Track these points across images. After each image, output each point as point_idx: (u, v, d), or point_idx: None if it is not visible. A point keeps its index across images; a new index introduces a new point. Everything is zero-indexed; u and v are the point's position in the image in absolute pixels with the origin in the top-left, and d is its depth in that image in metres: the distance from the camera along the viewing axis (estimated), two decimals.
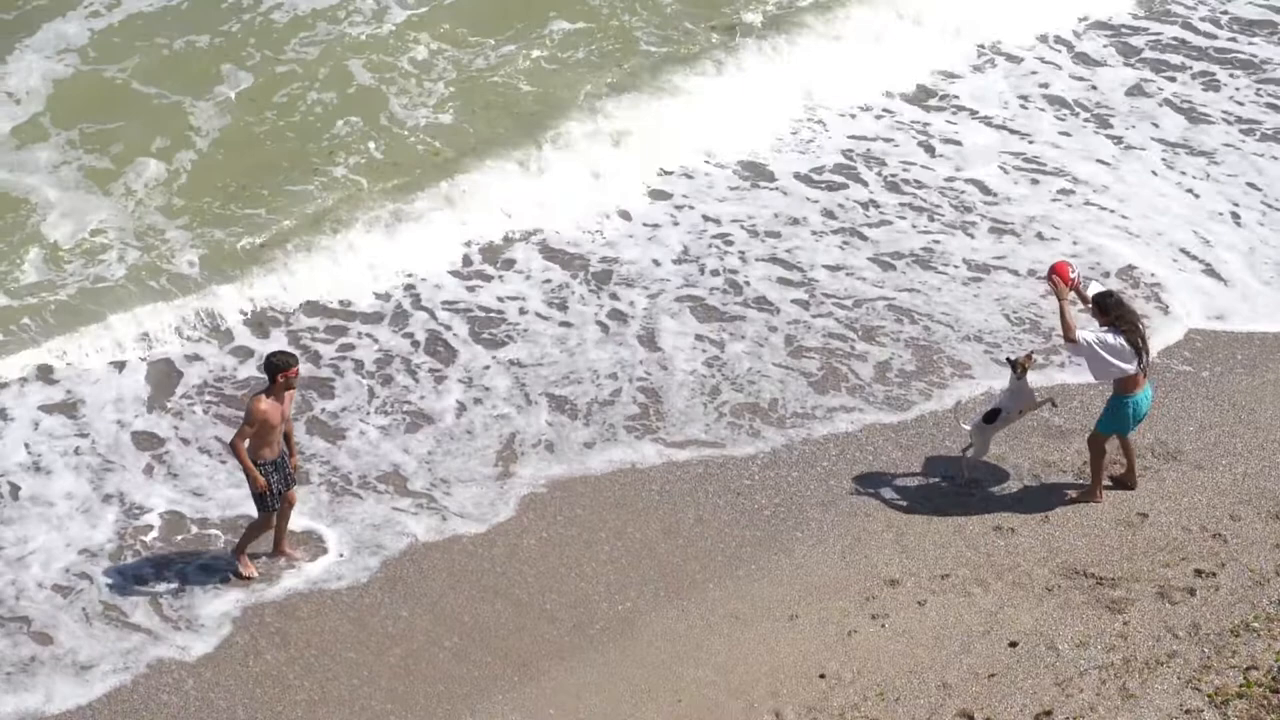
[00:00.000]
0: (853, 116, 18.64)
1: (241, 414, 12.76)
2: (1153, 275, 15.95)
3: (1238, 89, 19.08)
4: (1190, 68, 19.47)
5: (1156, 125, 18.44)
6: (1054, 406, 13.74)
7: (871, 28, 19.98)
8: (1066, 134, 18.34)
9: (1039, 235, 16.68)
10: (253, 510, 12.62)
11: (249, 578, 12.50)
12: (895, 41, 19.85)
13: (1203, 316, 15.33)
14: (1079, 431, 13.69)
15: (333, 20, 19.31)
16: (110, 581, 12.61)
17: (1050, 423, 13.91)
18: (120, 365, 14.79)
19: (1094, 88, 19.13)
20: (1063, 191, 17.36)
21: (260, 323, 15.40)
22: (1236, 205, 17.03)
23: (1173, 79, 19.24)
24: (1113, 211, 17.03)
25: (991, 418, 13.16)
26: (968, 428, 13.42)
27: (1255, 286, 15.75)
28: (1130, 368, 12.56)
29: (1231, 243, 16.46)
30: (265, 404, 11.92)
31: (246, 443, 12.07)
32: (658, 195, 17.33)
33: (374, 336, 15.27)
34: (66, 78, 18.25)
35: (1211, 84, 19.13)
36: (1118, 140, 18.22)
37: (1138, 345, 12.54)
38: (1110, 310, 12.64)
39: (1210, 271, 16.05)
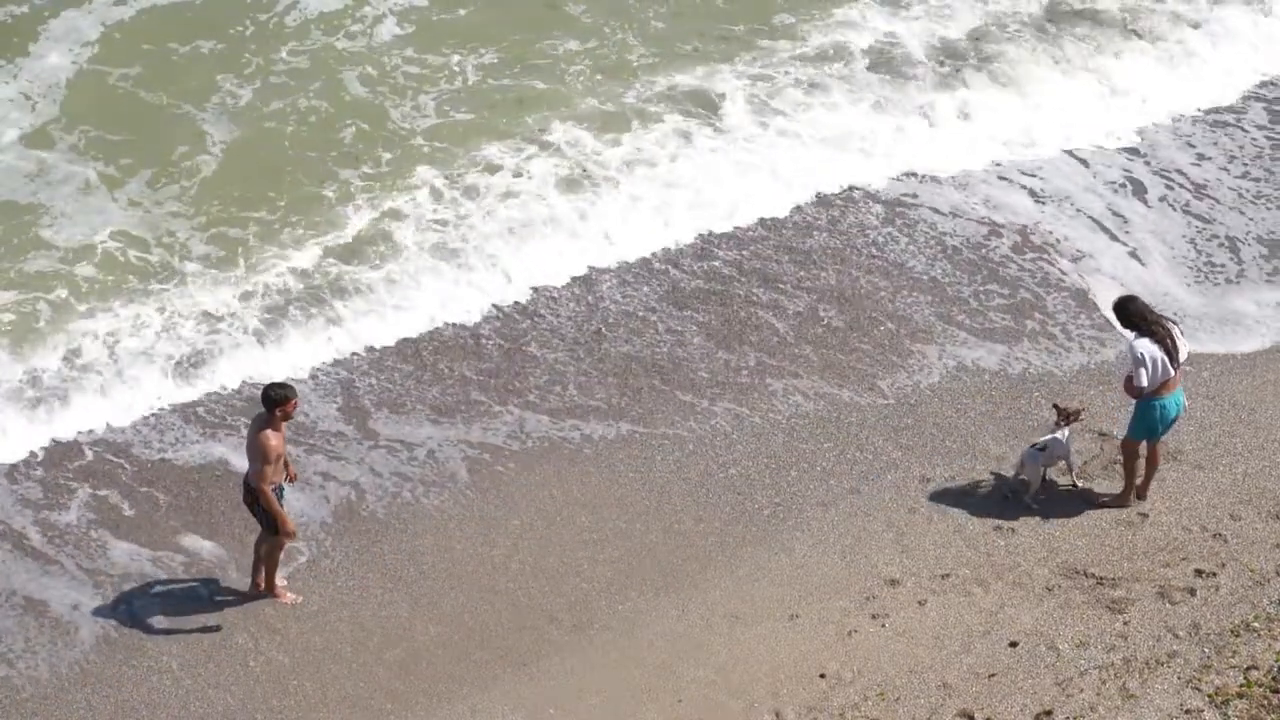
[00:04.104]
0: None
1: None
2: (1069, 242, 16.00)
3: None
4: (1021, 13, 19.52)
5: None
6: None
7: None
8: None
9: (934, 178, 16.43)
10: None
11: (295, 603, 12.48)
12: None
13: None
14: (1078, 431, 13.67)
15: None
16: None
17: (1050, 422, 13.89)
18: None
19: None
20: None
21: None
22: (1129, 172, 17.09)
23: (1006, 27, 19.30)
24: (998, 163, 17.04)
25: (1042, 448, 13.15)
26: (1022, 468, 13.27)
27: (1188, 299, 15.56)
28: (1165, 373, 12.48)
29: (1155, 228, 16.37)
30: (275, 439, 11.87)
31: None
32: None
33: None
34: (75, 81, 18.18)
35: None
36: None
37: (1168, 348, 12.46)
38: (1132, 316, 12.55)
39: (1134, 256, 16.02)
